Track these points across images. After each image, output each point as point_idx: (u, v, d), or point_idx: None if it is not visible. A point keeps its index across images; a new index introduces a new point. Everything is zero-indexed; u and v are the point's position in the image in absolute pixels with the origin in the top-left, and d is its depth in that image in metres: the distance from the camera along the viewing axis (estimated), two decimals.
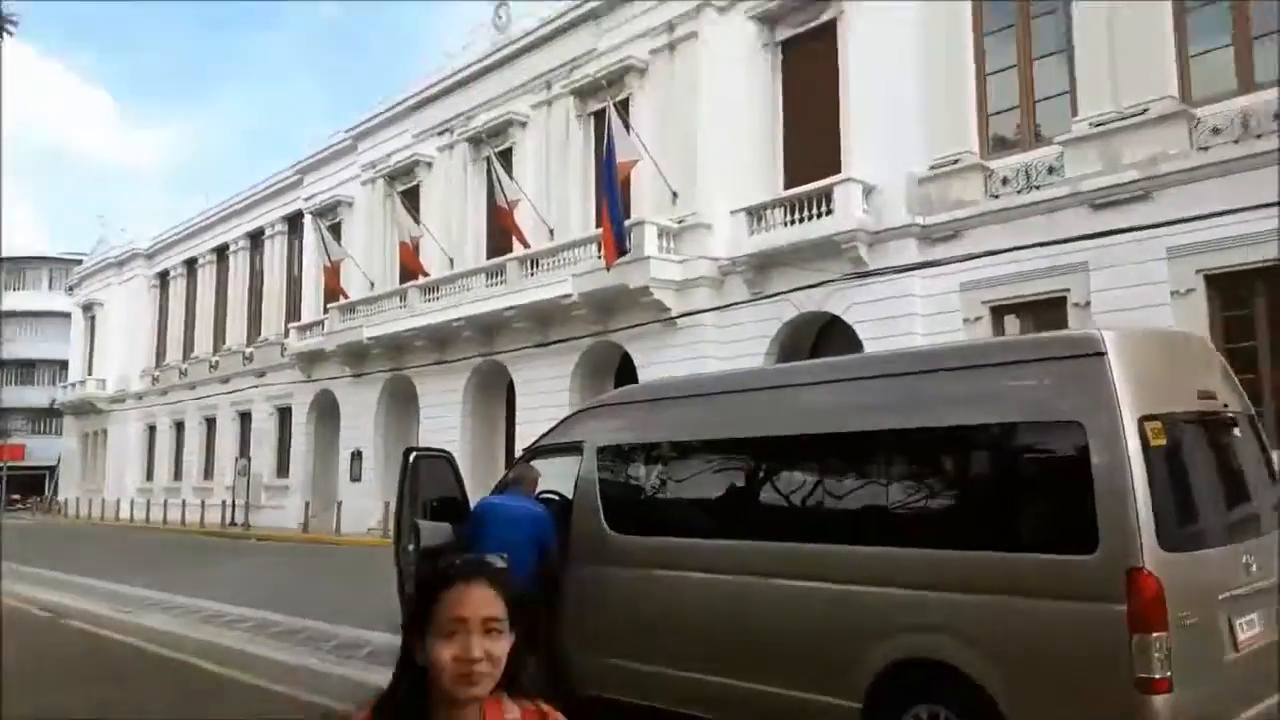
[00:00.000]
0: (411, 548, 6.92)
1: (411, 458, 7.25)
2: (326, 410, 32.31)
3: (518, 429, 24.37)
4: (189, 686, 7.87)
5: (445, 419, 26.41)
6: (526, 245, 23.47)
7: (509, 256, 24.03)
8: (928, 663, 4.83)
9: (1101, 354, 4.49)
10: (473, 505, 7.49)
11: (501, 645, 1.84)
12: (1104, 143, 15.15)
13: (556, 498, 7.66)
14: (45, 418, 60.72)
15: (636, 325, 20.85)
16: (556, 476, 8.10)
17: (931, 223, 17.36)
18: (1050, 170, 16.02)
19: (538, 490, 7.39)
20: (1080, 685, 4.30)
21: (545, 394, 23.32)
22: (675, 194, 21.00)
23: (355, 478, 29.38)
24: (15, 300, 64.66)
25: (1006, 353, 5.34)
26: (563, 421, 7.61)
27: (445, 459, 7.75)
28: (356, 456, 29.57)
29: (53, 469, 56.39)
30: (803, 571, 5.36)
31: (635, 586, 6.22)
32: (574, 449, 7.09)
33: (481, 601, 1.84)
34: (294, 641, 10.18)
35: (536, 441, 7.70)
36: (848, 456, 5.50)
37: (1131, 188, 14.67)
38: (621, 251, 20.19)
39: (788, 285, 18.79)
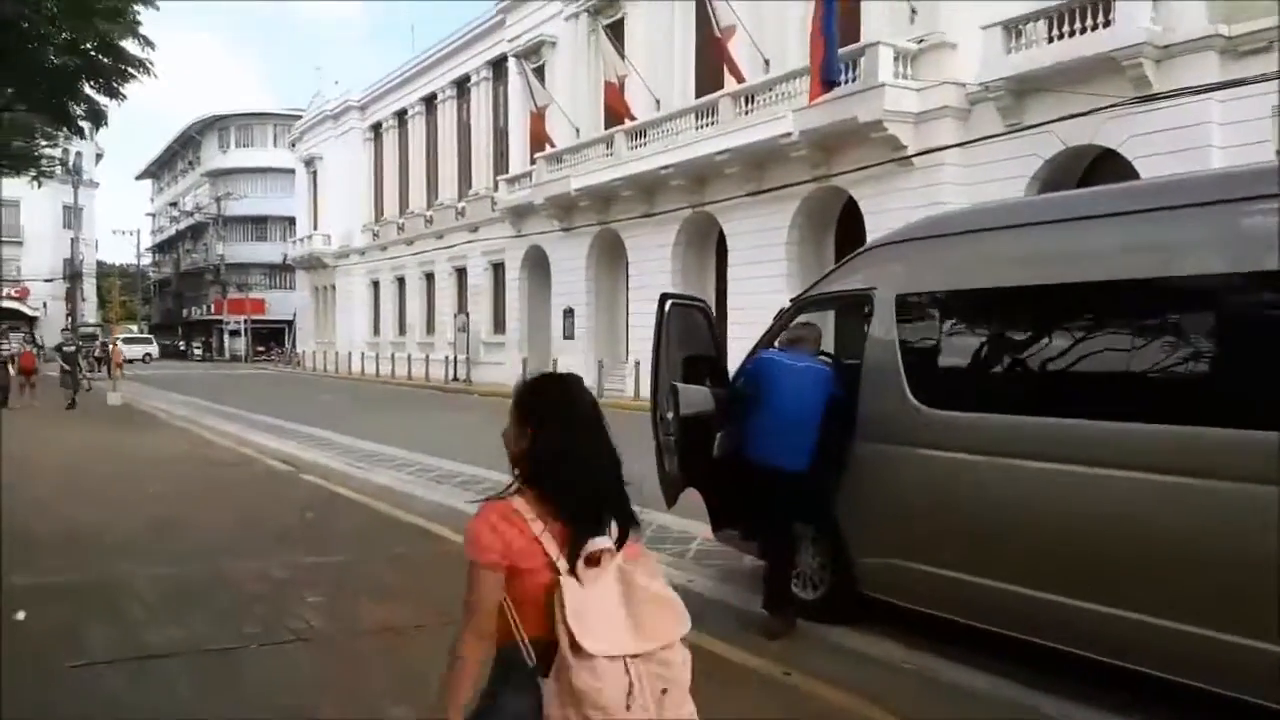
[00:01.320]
0: (670, 415, 5.88)
1: (668, 306, 6.06)
2: (538, 266, 32.21)
3: (729, 285, 23.18)
4: (424, 554, 7.35)
5: (654, 275, 25.52)
6: (741, 79, 21.63)
7: (721, 93, 22.32)
8: None
9: None
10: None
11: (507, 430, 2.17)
12: None
13: (829, 360, 6.42)
14: (280, 272, 64.79)
15: (866, 167, 18.85)
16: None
17: (1239, 33, 14.41)
18: None
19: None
20: None
21: (759, 247, 21.92)
22: (914, 9, 18.48)
23: (568, 335, 29.29)
24: (244, 157, 68.42)
25: None
26: (844, 264, 6.13)
27: (700, 308, 6.59)
28: (568, 314, 29.39)
29: (290, 322, 60.43)
30: (1224, 468, 3.89)
31: (949, 474, 4.91)
32: (860, 299, 5.73)
33: None
34: None
35: (807, 291, 6.32)
36: None
37: None
38: (829, 84, 18.11)
39: (1051, 114, 16.24)
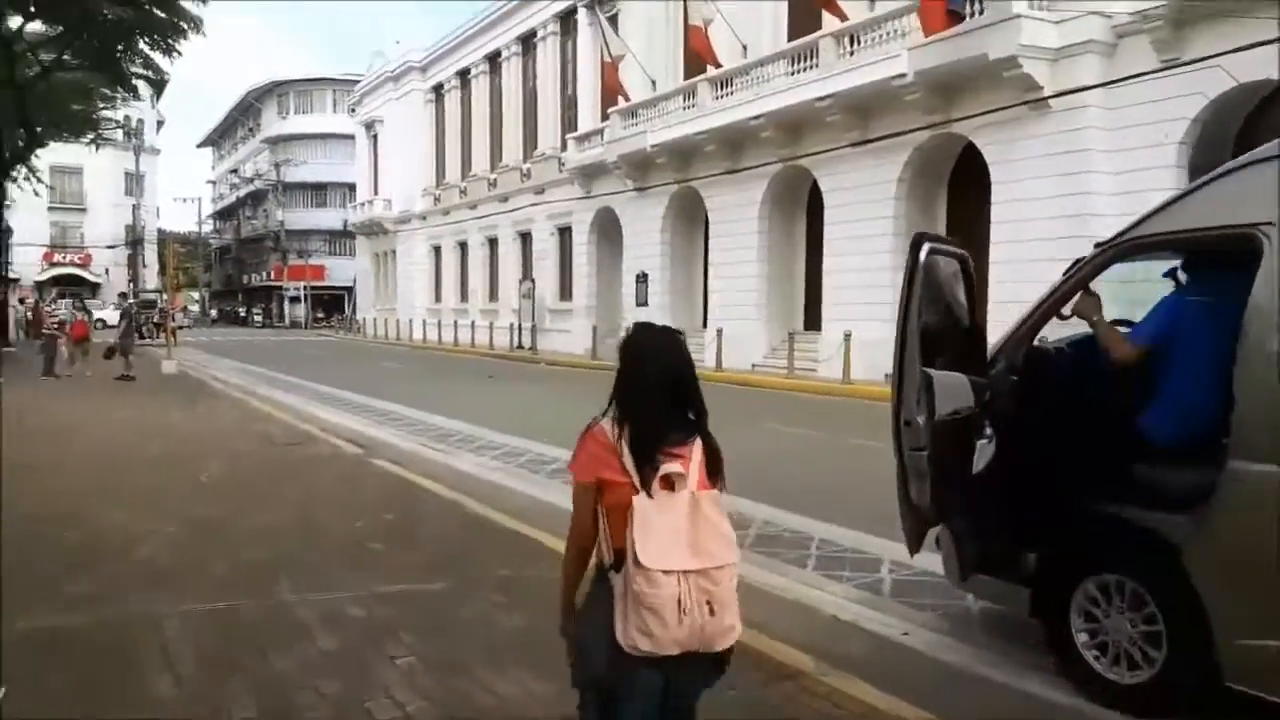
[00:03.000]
0: (922, 418, 4.09)
1: (924, 253, 4.19)
2: (608, 229, 30.48)
3: (826, 246, 21.14)
4: (539, 581, 5.67)
5: (737, 237, 23.68)
6: (844, 18, 19.51)
7: (822, 33, 20.18)
8: None
9: None
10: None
11: None
12: None
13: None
14: (340, 239, 63.94)
15: (996, 110, 16.68)
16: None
17: None
18: None
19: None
20: None
21: (861, 204, 19.88)
22: None
23: (641, 302, 27.51)
24: (303, 123, 67.57)
25: None
26: (1200, 188, 4.01)
27: (959, 257, 4.67)
28: (642, 279, 27.59)
29: (350, 289, 59.54)
30: None
31: None
32: (1233, 241, 3.81)
33: None
34: None
35: (1129, 230, 4.21)
36: None
37: None
38: (955, 16, 16.08)
39: (1220, 46, 13.94)
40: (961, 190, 19.23)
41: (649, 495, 2.26)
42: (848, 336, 18.56)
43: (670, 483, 2.29)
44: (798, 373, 20.00)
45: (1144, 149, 15.10)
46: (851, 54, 19.33)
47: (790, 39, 22.33)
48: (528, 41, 36.26)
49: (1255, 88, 14.20)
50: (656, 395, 2.36)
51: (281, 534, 6.70)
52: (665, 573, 2.21)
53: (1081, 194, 15.71)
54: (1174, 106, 14.80)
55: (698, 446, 2.37)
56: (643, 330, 2.50)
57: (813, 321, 22.13)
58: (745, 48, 23.33)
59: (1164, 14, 14.56)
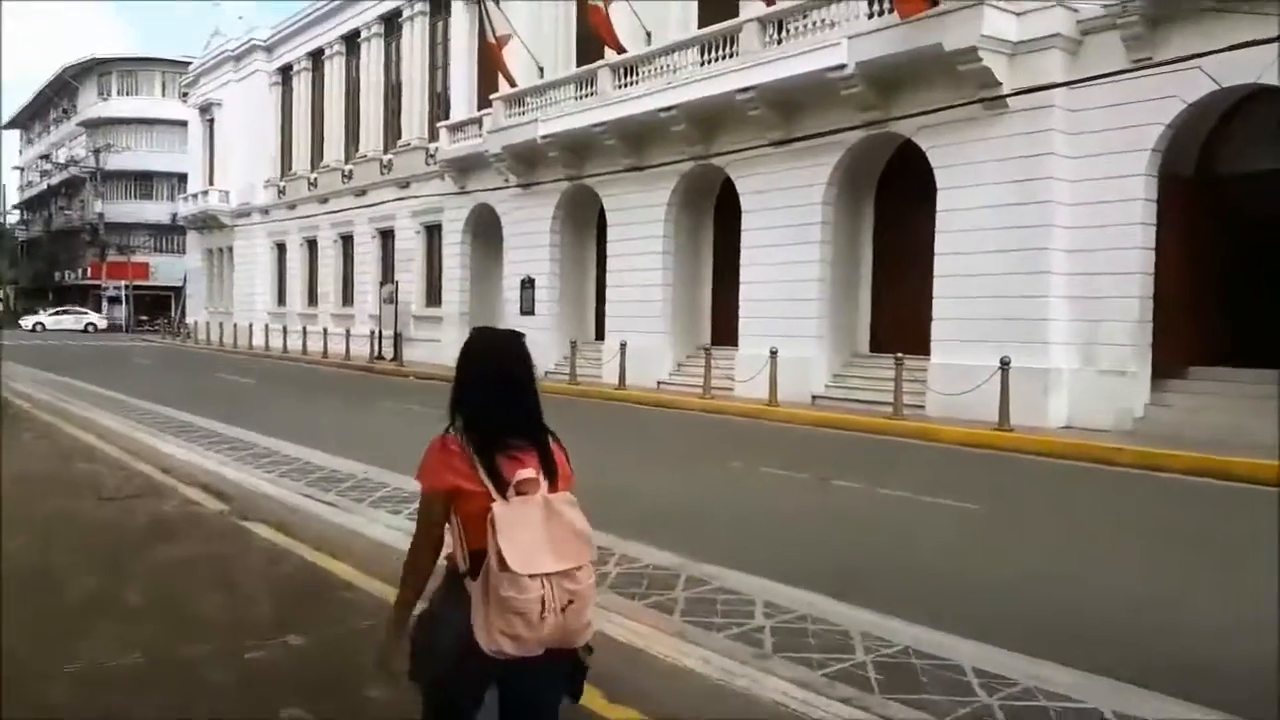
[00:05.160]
0: None
1: None
2: (485, 228, 27.81)
3: (743, 255, 19.17)
4: None
5: (640, 241, 21.60)
6: (770, 1, 17.71)
7: (744, 19, 18.31)
8: None
9: None
10: None
11: None
12: None
13: None
14: (167, 234, 58.39)
15: (948, 108, 15.17)
16: None
17: None
18: None
19: None
20: None
21: (785, 209, 18.13)
22: None
23: (526, 310, 24.99)
24: (127, 106, 61.58)
25: None
26: None
27: None
28: (528, 284, 25.06)
29: (179, 289, 54.26)
30: None
31: None
32: None
33: None
34: None
35: None
36: None
37: None
38: (931, 1, 14.65)
39: (1200, 45, 12.84)
40: (895, 194, 17.76)
41: (506, 501, 2.25)
42: (774, 354, 16.73)
43: (524, 489, 2.28)
44: (714, 393, 18.02)
45: (1112, 155, 13.90)
46: (779, 42, 17.54)
47: (701, 25, 20.41)
48: (391, 21, 33.16)
49: (1238, 92, 13.17)
50: (492, 397, 2.35)
51: (139, 682, 4.06)
52: (531, 577, 2.21)
53: (1041, 203, 14.40)
54: (1145, 111, 13.62)
55: (538, 451, 2.36)
56: (481, 334, 2.49)
57: (724, 336, 20.24)
58: (649, 35, 21.27)
59: (1138, 9, 13.34)
